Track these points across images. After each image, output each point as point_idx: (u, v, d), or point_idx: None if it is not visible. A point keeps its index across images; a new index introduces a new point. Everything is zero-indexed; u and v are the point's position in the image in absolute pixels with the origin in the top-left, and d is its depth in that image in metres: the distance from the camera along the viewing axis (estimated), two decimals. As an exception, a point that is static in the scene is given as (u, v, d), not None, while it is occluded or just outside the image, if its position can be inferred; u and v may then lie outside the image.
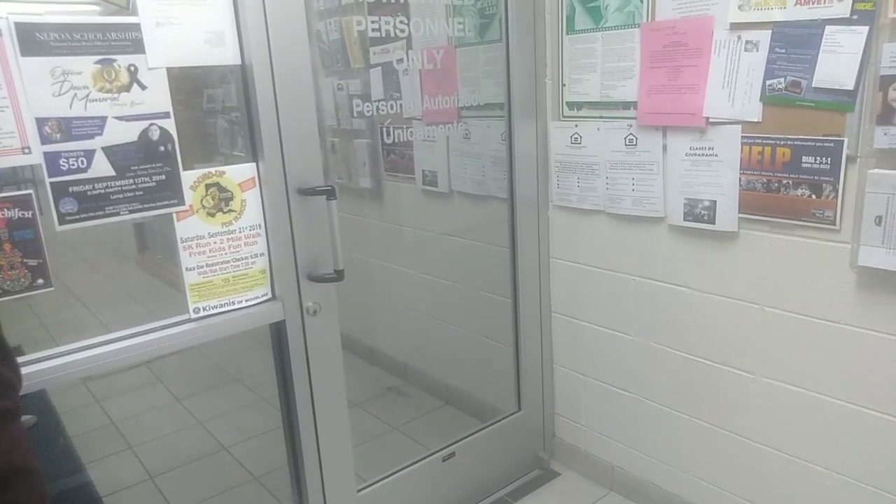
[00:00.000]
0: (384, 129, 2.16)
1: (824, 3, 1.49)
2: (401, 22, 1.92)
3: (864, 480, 1.68)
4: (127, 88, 1.38)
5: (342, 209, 1.70)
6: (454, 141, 2.28)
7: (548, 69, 2.16)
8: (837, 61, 1.50)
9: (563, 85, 2.12)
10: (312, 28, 1.78)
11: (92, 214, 1.38)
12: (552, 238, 2.32)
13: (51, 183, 1.32)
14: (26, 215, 1.29)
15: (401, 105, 2.00)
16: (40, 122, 1.29)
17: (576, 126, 2.11)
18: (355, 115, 2.02)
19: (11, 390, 1.06)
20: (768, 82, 1.63)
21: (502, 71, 2.16)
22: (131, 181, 1.42)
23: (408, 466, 2.13)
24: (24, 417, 1.47)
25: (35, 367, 1.38)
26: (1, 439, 1.01)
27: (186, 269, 1.55)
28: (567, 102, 2.13)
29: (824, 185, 1.58)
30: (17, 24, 1.23)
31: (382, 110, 1.98)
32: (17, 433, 1.06)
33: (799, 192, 1.63)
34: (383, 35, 1.92)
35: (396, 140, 2.19)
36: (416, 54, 2.00)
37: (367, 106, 1.96)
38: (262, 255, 1.66)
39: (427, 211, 2.52)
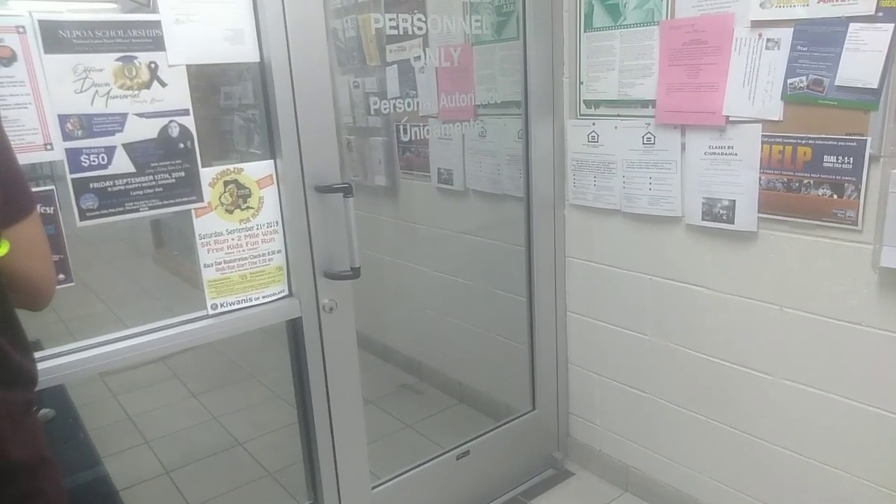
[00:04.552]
0: (400, 127, 2.16)
1: (848, 0, 1.47)
2: (418, 19, 1.91)
3: (883, 484, 1.66)
4: (147, 85, 1.39)
5: (358, 207, 1.70)
6: (470, 139, 2.28)
7: (565, 67, 2.15)
8: (861, 59, 1.48)
9: (581, 83, 2.11)
10: (330, 26, 1.78)
11: (112, 210, 1.39)
12: (568, 237, 2.31)
13: (72, 179, 1.33)
14: (48, 211, 1.30)
15: (417, 103, 2.00)
16: (62, 119, 1.30)
17: (593, 124, 2.10)
18: (372, 112, 2.02)
19: (32, 384, 1.08)
20: (790, 80, 1.61)
21: (519, 69, 2.15)
22: (151, 177, 1.43)
23: (422, 464, 2.13)
24: (43, 411, 1.49)
25: (54, 362, 1.39)
26: (27, 429, 1.03)
27: (204, 266, 1.56)
28: (584, 101, 2.12)
29: (846, 184, 1.56)
30: (41, 22, 1.24)
31: (399, 108, 1.98)
32: (37, 425, 1.08)
33: (820, 191, 1.61)
34: (400, 33, 1.91)
35: (412, 138, 2.18)
36: (433, 52, 1.99)
37: (384, 104, 1.96)
38: (279, 252, 1.66)
39: (442, 209, 2.52)
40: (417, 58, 1.98)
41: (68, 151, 1.32)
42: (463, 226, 2.51)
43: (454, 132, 2.23)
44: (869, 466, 1.68)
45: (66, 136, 1.31)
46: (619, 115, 2.03)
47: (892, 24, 1.42)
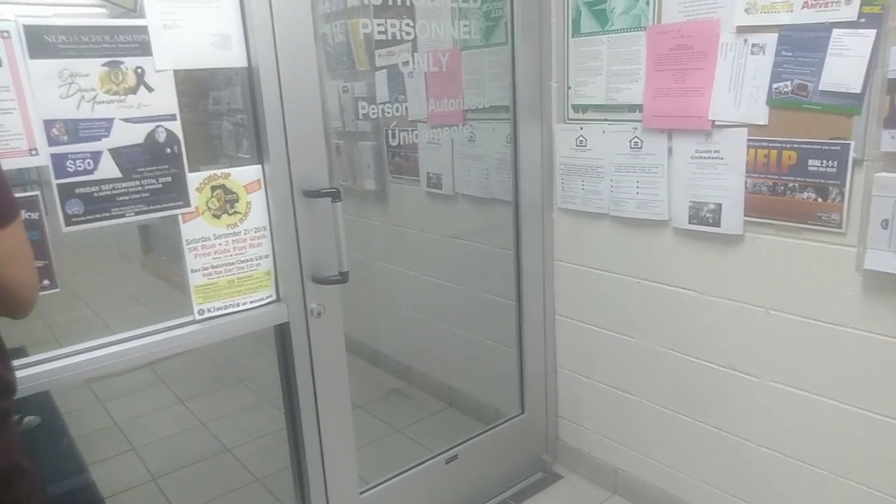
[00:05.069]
0: (389, 132, 2.16)
1: (832, 6, 1.49)
2: (407, 25, 1.92)
3: (869, 485, 1.68)
4: (134, 90, 1.38)
5: (346, 211, 1.70)
6: (459, 143, 2.28)
7: (553, 72, 2.16)
8: (845, 64, 1.49)
9: (569, 87, 2.12)
10: (318, 31, 1.78)
11: (98, 216, 1.38)
12: (556, 241, 2.32)
13: (57, 184, 1.32)
14: (33, 216, 1.30)
15: (406, 107, 2.00)
16: (48, 124, 1.29)
17: (581, 128, 2.11)
18: (360, 117, 2.02)
19: (10, 392, 1.07)
20: (775, 85, 1.63)
21: (508, 73, 2.16)
22: (137, 183, 1.42)
23: (411, 469, 2.13)
24: (28, 418, 1.47)
25: (39, 369, 1.38)
26: (4, 439, 1.01)
27: (192, 271, 1.55)
28: (572, 105, 2.13)
29: (830, 188, 1.58)
30: (26, 27, 1.23)
31: (388, 112, 1.98)
32: (14, 434, 1.07)
33: (805, 195, 1.63)
34: (389, 38, 1.92)
35: (401, 142, 2.19)
36: (421, 57, 2.00)
37: (373, 108, 1.96)
38: (266, 256, 1.66)
39: (431, 213, 2.52)
40: (406, 62, 1.99)
41: (54, 157, 1.31)
42: (452, 230, 2.52)
43: (443, 136, 2.23)
44: (854, 467, 1.70)
45: (52, 142, 1.30)
46: (606, 120, 2.04)
47: (875, 30, 1.44)
